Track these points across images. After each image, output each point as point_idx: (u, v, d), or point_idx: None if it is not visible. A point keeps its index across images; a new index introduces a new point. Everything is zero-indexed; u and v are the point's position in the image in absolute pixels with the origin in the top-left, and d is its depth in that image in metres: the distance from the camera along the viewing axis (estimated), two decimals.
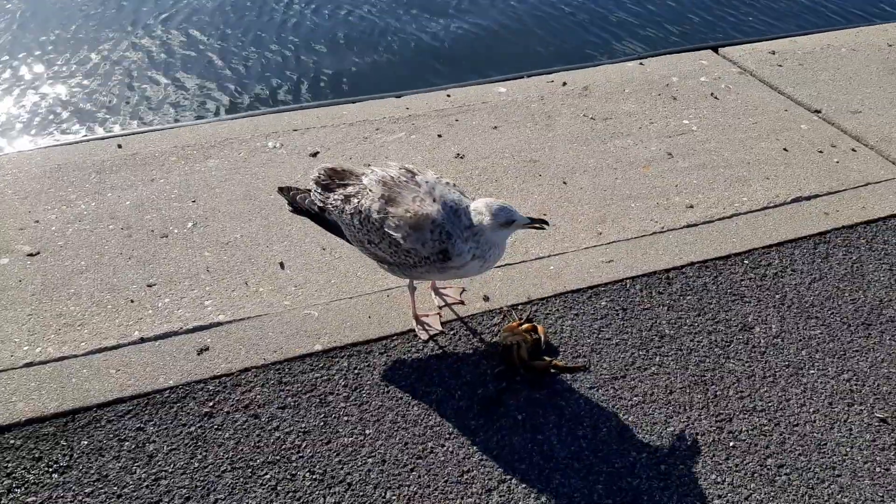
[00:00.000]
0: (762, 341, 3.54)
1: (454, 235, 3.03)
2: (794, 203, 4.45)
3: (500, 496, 2.85)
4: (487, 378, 3.32)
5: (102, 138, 4.98)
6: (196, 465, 2.94)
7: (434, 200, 3.07)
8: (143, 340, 3.46)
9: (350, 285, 3.80)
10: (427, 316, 3.61)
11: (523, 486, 2.89)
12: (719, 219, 4.31)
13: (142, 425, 3.08)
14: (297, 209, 3.47)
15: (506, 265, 3.92)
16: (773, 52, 6.18)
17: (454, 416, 3.14)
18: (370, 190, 3.18)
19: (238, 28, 7.23)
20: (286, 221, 4.22)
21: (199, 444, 3.02)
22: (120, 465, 2.93)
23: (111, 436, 3.04)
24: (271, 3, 7.64)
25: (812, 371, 3.40)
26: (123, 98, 6.14)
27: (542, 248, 4.06)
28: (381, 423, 3.11)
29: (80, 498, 2.81)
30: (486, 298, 3.73)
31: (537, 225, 3.09)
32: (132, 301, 3.66)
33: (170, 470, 2.92)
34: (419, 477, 2.91)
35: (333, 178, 3.36)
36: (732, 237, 4.16)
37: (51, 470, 2.91)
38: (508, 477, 2.92)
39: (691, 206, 4.40)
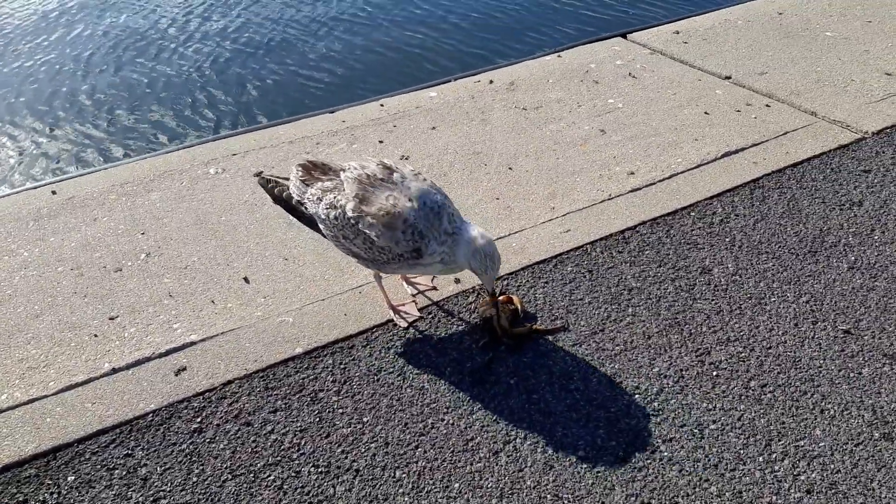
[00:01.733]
0: (722, 280, 3.72)
1: (428, 236, 3.07)
2: (724, 158, 4.72)
3: (508, 456, 2.87)
4: (473, 352, 3.35)
5: (34, 187, 4.80)
6: (195, 479, 2.84)
7: (409, 199, 3.09)
8: (115, 371, 3.33)
9: (319, 289, 3.78)
10: (403, 305, 3.62)
11: (528, 442, 2.92)
12: (660, 180, 4.52)
13: (129, 451, 2.96)
14: (276, 199, 3.47)
15: None
16: (678, 32, 6.57)
17: (448, 392, 3.15)
18: (346, 188, 3.20)
19: (155, 67, 7.15)
20: (242, 240, 4.17)
21: (194, 459, 2.92)
22: (114, 492, 2.80)
23: (99, 466, 2.90)
24: (187, 36, 7.61)
25: (773, 299, 3.59)
26: (49, 148, 5.96)
27: (501, 228, 4.15)
28: (377, 409, 3.10)
29: None
30: (458, 281, 3.78)
31: (491, 296, 3.27)
32: (96, 335, 3.53)
33: (167, 489, 2.81)
34: (425, 452, 2.91)
35: (312, 172, 3.37)
36: (675, 194, 4.37)
37: None
38: (513, 437, 2.95)
39: (632, 173, 4.60)
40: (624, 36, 6.63)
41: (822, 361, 3.24)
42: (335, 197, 3.21)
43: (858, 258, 3.83)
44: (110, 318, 3.64)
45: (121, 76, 7.10)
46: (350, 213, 3.12)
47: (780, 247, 3.93)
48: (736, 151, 4.77)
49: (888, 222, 4.08)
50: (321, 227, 3.33)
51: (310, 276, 3.87)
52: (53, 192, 4.67)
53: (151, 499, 2.77)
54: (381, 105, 5.61)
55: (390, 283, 3.71)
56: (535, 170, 4.70)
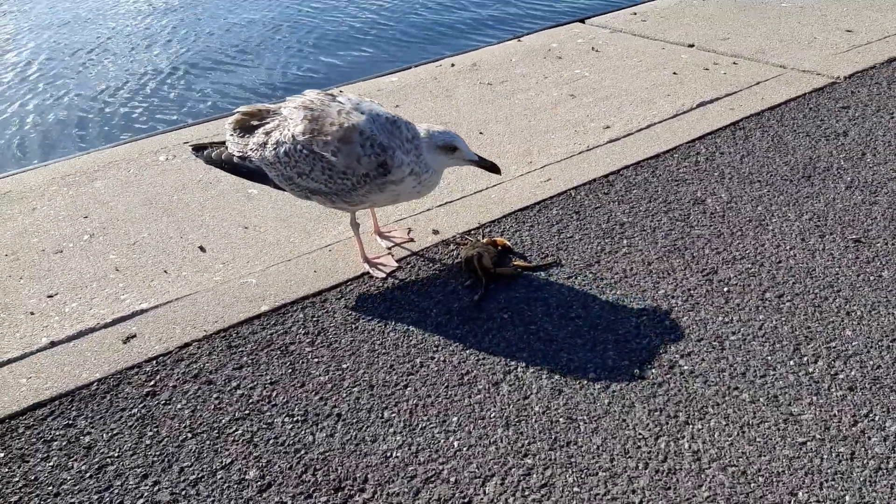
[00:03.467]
0: (718, 208, 3.48)
1: (391, 147, 2.83)
2: (699, 108, 4.56)
3: (510, 385, 2.52)
4: (460, 293, 3.02)
5: None
6: (147, 442, 2.42)
7: (361, 113, 2.88)
8: (53, 344, 2.91)
9: (284, 251, 3.43)
10: (378, 257, 3.29)
11: (531, 370, 2.58)
12: (637, 131, 4.33)
13: (70, 422, 2.53)
14: (215, 164, 3.16)
15: (446, 203, 3.71)
16: (635, 13, 6.54)
17: (436, 331, 2.81)
18: (291, 118, 2.96)
19: (99, 62, 6.85)
20: (196, 214, 3.82)
21: (147, 422, 2.50)
22: (51, 464, 2.36)
23: (34, 440, 2.47)
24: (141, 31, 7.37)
25: (774, 220, 3.36)
26: None
27: (477, 183, 3.88)
28: (358, 355, 2.73)
29: None
30: (436, 232, 3.47)
31: (488, 165, 2.97)
32: (32, 313, 3.11)
33: (115, 455, 2.38)
34: (415, 391, 2.54)
35: (250, 122, 3.12)
36: (655, 141, 4.17)
37: None
38: (513, 367, 2.60)
39: (608, 127, 4.40)
40: (582, 21, 6.57)
41: (837, 269, 2.99)
42: (281, 132, 2.94)
43: (854, 178, 3.64)
44: (49, 296, 3.23)
45: (67, 73, 6.79)
46: (301, 137, 2.85)
47: (771, 175, 3.73)
48: (711, 101, 4.62)
49: (877, 147, 3.92)
50: (272, 174, 3.03)
51: (273, 241, 3.52)
52: None
53: (96, 466, 2.34)
54: (340, 91, 5.35)
55: (364, 241, 3.39)
56: (506, 133, 4.47)
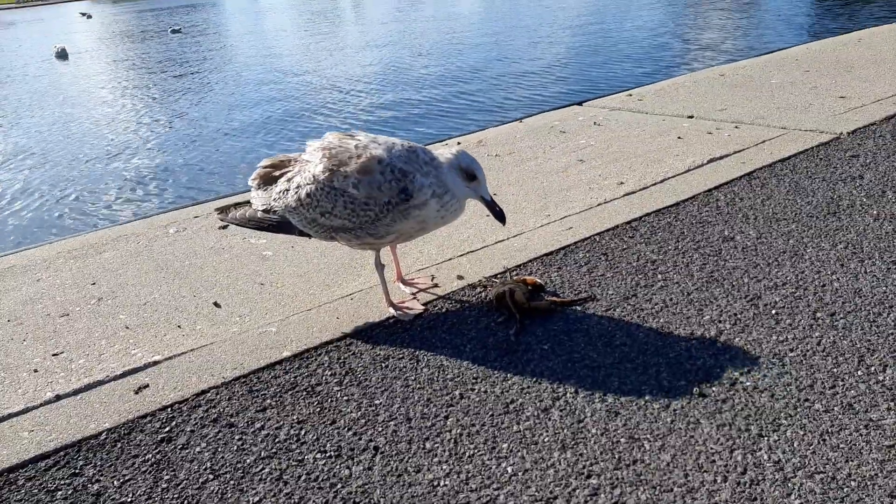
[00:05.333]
0: (748, 244, 3.40)
1: (411, 172, 2.78)
2: (710, 163, 4.58)
3: (561, 410, 2.32)
4: (494, 328, 2.87)
5: None
6: (164, 486, 2.18)
7: (379, 145, 2.86)
8: (59, 398, 2.70)
9: (304, 302, 3.29)
10: (403, 302, 3.15)
11: (582, 395, 2.39)
12: (652, 185, 4.32)
13: (76, 471, 2.29)
14: (240, 223, 3.15)
15: (468, 253, 3.62)
16: (630, 95, 6.75)
17: (474, 365, 2.63)
18: (311, 160, 2.94)
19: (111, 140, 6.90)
20: (210, 275, 3.69)
21: (163, 466, 2.26)
22: None
23: (35, 491, 2.22)
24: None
25: (809, 250, 3.27)
26: None
27: (498, 235, 3.80)
28: (391, 390, 2.53)
29: None
30: (461, 277, 3.35)
31: (497, 211, 2.94)
32: (36, 371, 2.91)
33: (128, 501, 2.13)
34: (458, 421, 2.33)
35: (273, 173, 3.10)
36: (672, 192, 4.15)
37: None
38: (561, 392, 2.41)
39: (622, 183, 4.39)
40: (579, 104, 6.77)
41: (885, 287, 2.87)
42: (302, 176, 2.91)
43: (881, 212, 3.60)
44: (53, 355, 3.03)
45: (73, 160, 6.84)
46: (321, 176, 2.81)
47: (796, 213, 3.68)
48: (721, 157, 4.66)
49: None
50: (296, 219, 2.98)
51: (291, 294, 3.38)
52: None
53: None
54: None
55: (388, 287, 3.25)
56: (521, 193, 4.45)
